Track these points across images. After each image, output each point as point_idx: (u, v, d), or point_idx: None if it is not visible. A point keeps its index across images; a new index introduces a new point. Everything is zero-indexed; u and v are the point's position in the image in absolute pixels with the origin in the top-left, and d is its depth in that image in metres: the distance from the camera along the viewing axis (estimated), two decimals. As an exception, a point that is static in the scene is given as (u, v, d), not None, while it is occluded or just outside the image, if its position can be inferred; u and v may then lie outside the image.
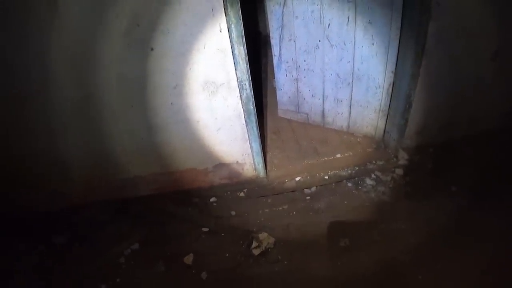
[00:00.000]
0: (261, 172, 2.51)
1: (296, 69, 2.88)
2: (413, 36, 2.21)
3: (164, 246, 2.24)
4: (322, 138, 2.93)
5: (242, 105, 2.12)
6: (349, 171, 2.56)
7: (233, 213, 2.37)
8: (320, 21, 2.55)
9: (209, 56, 1.91)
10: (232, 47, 1.89)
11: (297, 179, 2.55)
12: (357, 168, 2.59)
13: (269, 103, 3.48)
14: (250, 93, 2.10)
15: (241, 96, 2.08)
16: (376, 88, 2.63)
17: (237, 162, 2.40)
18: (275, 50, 2.89)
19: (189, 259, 2.08)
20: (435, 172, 2.52)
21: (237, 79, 2.01)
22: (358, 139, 2.89)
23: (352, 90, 2.74)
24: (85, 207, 2.53)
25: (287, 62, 2.90)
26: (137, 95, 2.03)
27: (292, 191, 2.48)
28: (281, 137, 2.99)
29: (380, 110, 2.71)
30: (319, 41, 2.64)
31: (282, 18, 2.70)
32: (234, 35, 1.85)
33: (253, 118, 2.20)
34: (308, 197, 2.42)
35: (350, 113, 2.86)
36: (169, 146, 2.26)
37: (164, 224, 2.37)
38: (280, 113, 3.26)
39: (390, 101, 2.62)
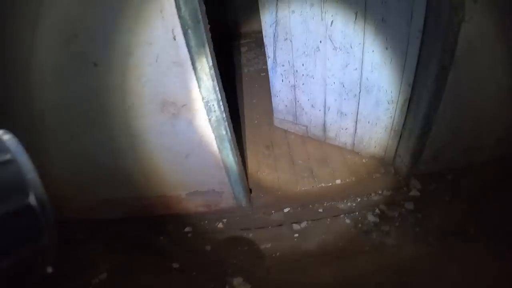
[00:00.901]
0: (243, 202, 2.12)
1: (294, 74, 2.40)
2: (439, 40, 1.68)
3: (131, 279, 1.97)
4: (321, 156, 2.47)
5: (212, 130, 1.71)
6: (349, 204, 2.13)
7: (208, 248, 2.02)
8: (321, 17, 2.04)
9: (164, 71, 1.49)
10: (192, 59, 1.46)
11: (286, 210, 2.15)
12: (358, 200, 2.14)
13: (265, 108, 3.00)
14: (222, 116, 1.68)
15: (209, 120, 1.67)
16: (388, 103, 2.12)
17: (214, 190, 2.03)
18: (269, 50, 2.41)
19: None
20: (452, 208, 2.03)
21: (203, 99, 1.60)
22: (363, 160, 2.41)
23: (359, 103, 2.24)
24: (64, 223, 2.30)
25: (283, 66, 2.42)
26: (91, 115, 1.68)
27: (279, 225, 2.09)
28: (274, 153, 2.56)
29: (391, 129, 2.21)
30: (320, 42, 2.14)
31: (276, 13, 2.21)
32: (192, 43, 1.42)
33: (228, 144, 1.79)
34: (296, 235, 2.02)
35: (355, 129, 2.38)
36: (133, 171, 1.92)
37: (135, 253, 2.08)
38: (276, 123, 2.81)
39: (405, 119, 2.11)
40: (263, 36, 2.36)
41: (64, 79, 1.51)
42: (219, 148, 1.79)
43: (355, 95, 2.21)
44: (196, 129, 1.69)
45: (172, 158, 1.84)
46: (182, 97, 1.59)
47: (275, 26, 2.26)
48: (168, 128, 1.70)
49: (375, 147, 2.36)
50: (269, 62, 2.47)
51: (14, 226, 0.33)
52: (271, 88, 2.59)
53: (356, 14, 1.91)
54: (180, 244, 2.08)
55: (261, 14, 2.28)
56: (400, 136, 2.19)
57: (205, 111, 1.63)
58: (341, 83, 2.22)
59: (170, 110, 1.62)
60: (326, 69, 2.22)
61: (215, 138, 1.74)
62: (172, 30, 1.37)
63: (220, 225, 2.13)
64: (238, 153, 1.98)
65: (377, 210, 2.06)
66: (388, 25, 1.85)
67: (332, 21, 2.01)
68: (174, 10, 1.32)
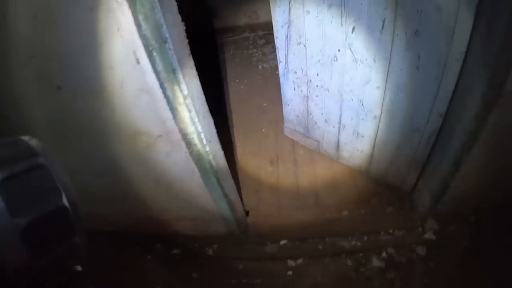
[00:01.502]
0: (235, 230, 1.93)
1: (307, 83, 2.07)
2: (485, 68, 1.30)
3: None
4: (330, 179, 2.18)
5: (195, 163, 1.48)
6: (354, 242, 1.86)
7: (194, 275, 1.86)
8: (341, 21, 1.67)
9: (131, 99, 1.25)
10: (161, 86, 1.20)
11: (282, 242, 1.92)
12: (365, 238, 1.86)
13: (276, 113, 2.66)
14: (204, 150, 1.44)
15: (190, 153, 1.44)
16: (413, 132, 1.76)
17: (202, 218, 1.84)
18: (280, 54, 2.08)
19: None
20: (470, 257, 1.71)
21: (179, 131, 1.37)
22: (378, 189, 2.09)
23: (378, 126, 1.89)
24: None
25: (295, 73, 2.09)
26: (61, 139, 1.50)
27: (273, 259, 1.88)
28: (278, 170, 2.30)
29: (413, 160, 1.86)
30: (338, 50, 1.78)
31: (289, 11, 1.86)
32: (160, 68, 1.15)
33: (214, 179, 1.57)
34: (290, 272, 1.80)
35: (372, 154, 2.04)
36: (114, 192, 1.76)
37: (121, 269, 1.98)
38: (287, 132, 2.51)
39: (430, 152, 1.76)
40: (274, 37, 2.03)
41: (27, 102, 1.33)
42: (204, 182, 1.58)
43: (375, 116, 1.86)
44: (175, 161, 1.46)
45: (153, 185, 1.65)
46: (156, 128, 1.35)
47: (288, 27, 1.92)
48: (144, 158, 1.49)
49: (392, 176, 2.03)
50: (281, 67, 2.14)
51: (50, 226, 0.34)
52: (282, 96, 2.28)
53: (383, 22, 1.53)
54: (167, 266, 1.95)
55: (272, 10, 1.94)
56: (422, 169, 1.85)
57: (184, 144, 1.40)
58: (360, 101, 1.87)
59: (144, 140, 1.40)
60: (343, 83, 1.87)
61: (199, 172, 1.52)
62: (134, 52, 1.10)
63: (210, 251, 1.96)
64: (232, 183, 1.76)
65: (384, 254, 1.78)
66: (422, 40, 1.46)
67: (353, 28, 1.64)
68: (134, 28, 1.04)
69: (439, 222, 1.83)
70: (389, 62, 1.62)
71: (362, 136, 2.00)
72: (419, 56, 1.52)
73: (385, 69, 1.66)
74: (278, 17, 1.91)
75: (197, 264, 1.92)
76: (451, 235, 1.79)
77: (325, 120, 2.12)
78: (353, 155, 2.15)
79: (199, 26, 3.68)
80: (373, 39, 1.61)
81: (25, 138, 0.38)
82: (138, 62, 1.14)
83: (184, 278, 1.86)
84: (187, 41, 1.23)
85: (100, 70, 1.19)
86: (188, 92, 1.25)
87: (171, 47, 1.11)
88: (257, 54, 3.37)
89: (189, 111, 1.29)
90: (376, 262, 1.76)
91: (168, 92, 1.22)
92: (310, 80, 2.02)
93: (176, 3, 1.12)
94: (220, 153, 1.62)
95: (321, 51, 1.85)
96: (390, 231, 1.87)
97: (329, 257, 1.83)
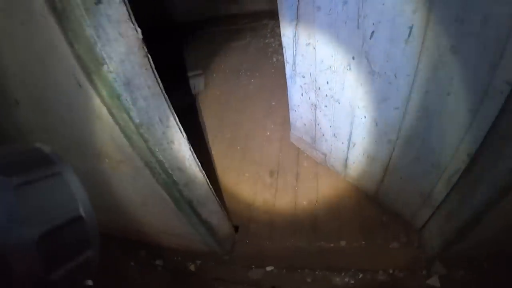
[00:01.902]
0: (218, 250, 1.74)
1: (315, 91, 1.76)
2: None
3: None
4: (333, 199, 1.89)
5: (164, 191, 1.28)
6: (347, 279, 1.60)
7: (172, 290, 1.75)
8: (358, 23, 1.33)
9: (84, 122, 1.06)
10: (110, 113, 0.98)
11: (269, 269, 1.71)
12: (360, 276, 1.60)
13: (284, 115, 2.36)
14: (173, 179, 1.22)
15: (156, 180, 1.24)
16: (433, 166, 1.43)
17: (183, 236, 1.66)
18: (287, 54, 1.76)
19: None
20: None
21: (140, 159, 1.15)
22: (383, 218, 1.79)
23: (393, 152, 1.57)
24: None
25: (303, 77, 1.77)
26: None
27: (255, 286, 1.69)
28: (277, 183, 2.04)
29: (428, 196, 1.53)
30: (353, 58, 1.45)
31: (298, 6, 1.53)
32: (104, 93, 0.92)
33: (187, 207, 1.36)
34: (271, 304, 1.63)
35: (383, 179, 1.72)
36: (97, 202, 1.62)
37: (105, 271, 1.92)
38: (292, 139, 2.22)
39: (449, 193, 1.43)
40: (281, 34, 1.72)
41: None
42: (177, 208, 1.37)
43: (390, 140, 1.54)
44: (143, 185, 1.27)
45: (128, 202, 1.47)
46: (116, 153, 1.15)
47: (296, 24, 1.60)
48: (113, 178, 1.31)
49: (402, 208, 1.72)
50: (288, 69, 1.84)
51: (66, 237, 0.32)
52: (289, 100, 1.98)
53: (410, 29, 1.18)
54: (148, 276, 1.83)
55: (278, 3, 1.61)
56: (437, 208, 1.53)
57: (148, 171, 1.19)
58: (374, 120, 1.55)
59: (107, 162, 1.21)
60: (356, 97, 1.55)
61: (169, 198, 1.32)
62: (73, 74, 0.88)
63: (192, 266, 1.80)
64: (215, 206, 1.56)
65: (381, 299, 1.54)
66: (459, 58, 1.11)
67: (372, 32, 1.30)
68: (67, 46, 0.82)
69: (447, 267, 1.54)
70: (413, 80, 1.28)
71: (373, 159, 1.68)
72: (452, 79, 1.17)
73: (408, 88, 1.32)
74: (285, 11, 1.59)
75: (178, 279, 1.78)
76: (459, 282, 1.50)
77: (334, 134, 1.82)
78: (361, 176, 1.84)
79: (214, 10, 3.38)
80: (395, 49, 1.26)
81: (41, 145, 0.37)
82: (80, 86, 0.92)
83: (162, 292, 1.74)
84: (143, 53, 0.97)
85: (47, 90, 1.00)
86: (141, 121, 1.02)
87: (110, 69, 0.87)
88: (273, 45, 3.02)
89: (145, 141, 1.06)
90: (369, 309, 1.52)
91: (118, 119, 1.00)
92: (319, 88, 1.71)
93: (123, 8, 0.87)
94: (196, 179, 1.39)
95: (332, 56, 1.53)
96: (390, 271, 1.59)
97: (318, 293, 1.61)
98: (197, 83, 2.84)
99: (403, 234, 1.72)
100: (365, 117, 1.57)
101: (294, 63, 1.75)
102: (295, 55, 1.71)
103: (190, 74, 2.89)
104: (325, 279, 1.64)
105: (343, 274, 1.63)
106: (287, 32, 1.66)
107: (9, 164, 0.31)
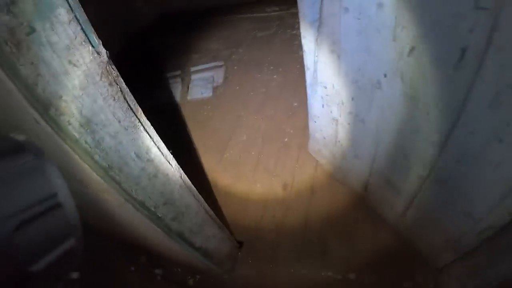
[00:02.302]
0: (217, 270, 1.60)
1: (338, 105, 1.48)
2: None
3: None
4: (348, 224, 1.66)
5: (152, 223, 1.10)
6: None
7: (170, 302, 1.67)
8: (394, 34, 1.03)
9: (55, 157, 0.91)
10: (75, 152, 0.80)
11: (268, 296, 1.58)
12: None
13: (305, 119, 2.02)
14: (157, 216, 1.08)
15: (141, 214, 1.08)
16: (465, 215, 1.14)
17: (179, 253, 1.54)
18: (308, 59, 1.49)
19: None
20: None
21: (119, 195, 0.96)
22: (401, 253, 1.54)
23: (421, 190, 1.28)
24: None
25: (325, 88, 1.50)
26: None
27: (251, 313, 1.57)
28: (290, 199, 1.83)
29: (454, 243, 1.27)
30: (385, 75, 1.16)
31: (321, 6, 1.24)
32: (61, 134, 0.75)
33: (179, 239, 1.23)
34: (266, 337, 1.49)
35: (406, 213, 1.45)
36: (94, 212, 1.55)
37: (104, 272, 1.86)
38: (311, 150, 1.98)
39: (479, 247, 1.16)
40: (301, 36, 1.44)
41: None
42: (168, 237, 1.23)
43: (420, 176, 1.25)
44: (129, 214, 1.11)
45: (120, 221, 1.36)
46: (95, 185, 0.96)
47: (318, 27, 1.32)
48: (101, 202, 1.19)
49: (423, 244, 1.46)
50: (308, 75, 1.57)
51: (45, 226, 0.31)
52: (308, 109, 1.73)
53: (463, 52, 0.88)
54: (146, 285, 1.76)
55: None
56: (461, 258, 1.26)
57: (130, 205, 1.04)
58: (402, 150, 1.27)
59: (90, 189, 1.08)
60: (383, 119, 1.27)
61: (158, 229, 1.17)
62: (26, 111, 0.70)
63: (191, 281, 1.70)
64: (213, 230, 1.42)
65: None
66: None
67: (412, 48, 1.01)
68: (10, 83, 0.64)
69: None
70: (458, 116, 1.00)
71: (398, 191, 1.42)
72: (508, 125, 0.88)
73: (449, 123, 1.03)
74: (306, 10, 1.32)
75: None
76: None
77: (355, 155, 1.56)
78: (382, 205, 1.59)
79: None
80: (440, 73, 0.97)
81: (15, 135, 0.35)
82: (37, 122, 0.74)
83: (160, 303, 1.67)
84: (109, 80, 0.78)
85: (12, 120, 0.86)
86: (110, 164, 0.86)
87: (60, 111, 0.70)
88: (300, 37, 2.65)
89: (118, 183, 0.90)
90: None
91: (85, 161, 0.84)
92: (343, 103, 1.43)
93: (75, 27, 0.67)
94: (190, 209, 1.23)
95: (360, 69, 1.25)
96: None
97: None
98: (216, 76, 2.63)
99: (419, 273, 1.48)
100: (390, 143, 1.30)
101: (315, 70, 1.49)
102: (317, 62, 1.44)
103: (209, 64, 2.68)
104: (327, 318, 1.46)
105: (349, 314, 1.45)
106: (308, 34, 1.39)
107: None
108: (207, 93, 2.55)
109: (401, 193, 1.41)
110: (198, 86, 2.62)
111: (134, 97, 0.88)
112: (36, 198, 0.31)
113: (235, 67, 2.71)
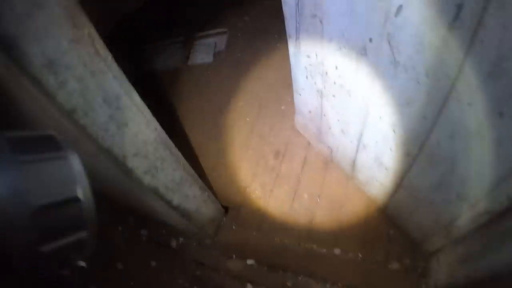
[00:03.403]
0: (199, 233, 1.54)
1: (322, 75, 1.27)
2: None
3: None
4: (337, 200, 1.52)
5: (124, 175, 1.04)
6: (331, 295, 1.33)
7: (153, 263, 1.63)
8: (382, -9, 0.81)
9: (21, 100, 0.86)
10: (39, 94, 0.74)
11: (250, 262, 1.49)
12: (346, 295, 1.31)
13: (290, 92, 1.84)
14: (128, 168, 0.99)
15: (113, 165, 0.99)
16: (459, 198, 0.97)
17: (161, 214, 1.48)
18: (289, 26, 1.26)
19: None
20: None
21: (89, 143, 0.89)
22: (390, 232, 1.40)
23: (411, 168, 1.10)
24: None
25: (308, 57, 1.28)
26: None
27: (232, 277, 1.49)
28: (280, 168, 1.69)
29: (445, 227, 1.11)
30: (370, 40, 0.94)
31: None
32: (24, 76, 0.68)
33: (152, 195, 1.14)
34: (245, 299, 1.44)
35: (395, 193, 1.28)
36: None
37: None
38: (297, 125, 1.79)
39: (473, 233, 0.99)
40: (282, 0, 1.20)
41: None
42: (143, 193, 1.16)
43: (410, 154, 1.07)
44: (105, 168, 1.03)
45: (104, 177, 1.28)
46: (66, 133, 0.88)
47: (300, -14, 1.08)
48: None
49: (413, 226, 1.29)
50: (290, 44, 1.34)
51: (61, 215, 0.33)
52: (292, 80, 1.52)
53: (459, 9, 0.66)
54: (132, 245, 1.75)
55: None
56: (452, 243, 1.10)
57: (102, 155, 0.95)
58: (391, 125, 1.07)
59: (65, 137, 1.00)
60: (372, 92, 1.06)
61: (133, 182, 1.09)
62: None
63: (174, 243, 1.66)
64: (195, 190, 1.35)
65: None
66: None
67: (400, 7, 0.78)
68: None
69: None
70: (453, 85, 0.79)
71: (386, 169, 1.24)
72: (511, 95, 0.66)
73: (444, 94, 0.83)
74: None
75: (159, 252, 1.68)
76: None
77: (342, 130, 1.37)
78: (370, 183, 1.42)
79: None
80: (432, 35, 0.77)
81: (52, 132, 0.37)
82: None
83: (143, 263, 1.65)
84: (76, 22, 0.68)
85: None
86: (74, 106, 0.78)
87: (21, 51, 0.64)
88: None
89: (83, 127, 0.83)
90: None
91: (48, 104, 0.76)
92: (326, 73, 1.23)
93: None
94: (164, 164, 1.14)
95: (344, 35, 1.03)
96: (383, 297, 1.27)
97: (295, 299, 1.37)
98: (218, 42, 2.42)
99: (408, 256, 1.34)
100: (380, 118, 1.11)
101: (297, 38, 1.27)
102: (298, 28, 1.22)
103: (213, 31, 2.45)
104: (306, 287, 1.37)
105: (328, 286, 1.36)
106: (288, -3, 1.15)
107: (20, 143, 0.32)
108: (208, 59, 2.37)
109: (391, 172, 1.24)
110: (199, 51, 2.45)
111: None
112: (59, 189, 0.33)
113: (239, 35, 2.47)
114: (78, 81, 0.78)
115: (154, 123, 1.08)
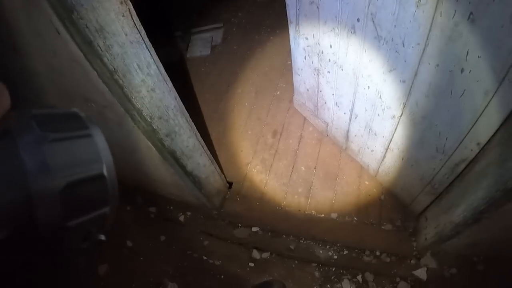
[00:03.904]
0: (207, 204, 1.72)
1: (318, 54, 1.50)
2: None
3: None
4: (332, 170, 1.75)
5: (147, 138, 1.21)
6: (331, 253, 1.52)
7: (162, 238, 1.78)
8: (365, -22, 1.04)
9: (66, 68, 1.03)
10: (86, 58, 0.92)
11: (254, 229, 1.68)
12: (345, 253, 1.51)
13: (283, 79, 2.15)
14: (151, 127, 1.17)
15: (138, 127, 1.16)
16: (437, 152, 1.20)
17: (174, 185, 1.64)
18: (290, 13, 1.49)
19: (102, 269, 1.74)
20: None
21: (121, 105, 1.07)
22: (381, 197, 1.62)
23: (396, 129, 1.33)
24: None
25: (307, 39, 1.51)
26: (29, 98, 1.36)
27: (239, 244, 1.67)
28: (278, 145, 1.91)
29: (429, 183, 1.34)
30: (358, 20, 1.17)
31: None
32: (78, 39, 0.86)
33: (171, 158, 1.32)
34: (252, 264, 1.60)
35: (384, 157, 1.51)
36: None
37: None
38: (296, 105, 2.03)
39: (452, 183, 1.21)
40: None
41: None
42: (162, 157, 1.33)
43: (394, 116, 1.30)
44: (128, 132, 1.23)
45: (120, 148, 1.46)
46: (99, 98, 1.11)
47: (300, -23, 1.31)
48: (101, 122, 1.28)
49: (402, 189, 1.52)
50: (291, 29, 1.58)
51: (87, 191, 0.35)
52: (292, 63, 1.75)
53: None
54: (141, 222, 1.89)
55: None
56: (436, 198, 1.32)
57: (129, 118, 1.13)
58: (378, 92, 1.30)
59: (94, 107, 1.18)
60: (361, 64, 1.30)
61: (153, 147, 1.27)
62: (51, 21, 0.84)
63: (182, 217, 1.83)
64: (204, 160, 1.52)
65: (359, 277, 1.44)
66: (477, 30, 0.85)
67: (380, -10, 1.02)
68: None
69: (439, 261, 1.39)
70: (423, 51, 1.03)
71: (375, 134, 1.47)
72: (467, 53, 0.90)
73: (416, 59, 1.06)
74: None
75: (167, 228, 1.83)
76: (447, 280, 1.36)
77: (336, 103, 1.60)
78: (362, 152, 1.64)
79: None
80: (405, 12, 1.00)
81: (77, 110, 0.39)
82: (59, 33, 0.88)
83: (153, 238, 1.80)
84: (120, 1, 0.88)
85: (31, 36, 0.99)
86: (116, 68, 0.96)
87: (80, 15, 0.82)
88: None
89: (121, 87, 1.00)
90: (346, 284, 1.44)
91: (94, 65, 0.95)
92: (322, 52, 1.46)
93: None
94: (182, 130, 1.33)
95: (336, 17, 1.26)
96: (377, 253, 1.48)
97: (298, 261, 1.56)
98: (215, 36, 2.64)
99: (399, 218, 1.56)
100: (368, 87, 1.34)
101: (297, 23, 1.50)
102: (298, 14, 1.45)
103: (209, 26, 2.67)
104: (308, 249, 1.58)
105: (327, 247, 1.56)
106: (291, -15, 1.38)
107: (47, 121, 0.34)
108: (206, 52, 2.58)
109: (379, 137, 1.47)
110: (197, 45, 2.65)
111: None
112: (85, 167, 0.34)
113: (234, 29, 2.70)
114: (120, 46, 0.96)
115: (174, 93, 1.27)
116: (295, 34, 1.57)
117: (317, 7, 1.33)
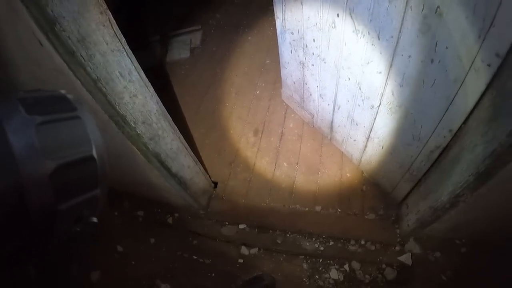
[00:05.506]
0: (194, 204, 1.79)
1: (303, 48, 1.66)
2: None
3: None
4: (314, 163, 1.88)
5: (131, 143, 1.29)
6: (317, 245, 1.64)
7: (152, 240, 1.82)
8: (343, -24, 1.22)
9: (51, 77, 1.10)
10: (69, 67, 0.99)
11: (241, 226, 1.76)
12: (331, 244, 1.63)
13: (276, 74, 2.25)
14: (135, 132, 1.24)
15: (123, 133, 1.22)
16: (413, 139, 1.36)
17: (160, 188, 1.70)
18: (277, 9, 1.64)
19: (94, 276, 1.73)
20: None
21: (104, 112, 1.14)
22: (364, 187, 1.77)
23: (375, 119, 1.50)
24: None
25: (292, 34, 1.67)
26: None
27: (227, 242, 1.75)
28: (260, 143, 2.02)
29: (407, 170, 1.49)
30: (337, 15, 1.34)
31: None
32: (61, 50, 0.93)
33: (155, 160, 1.39)
34: (241, 260, 1.67)
35: (365, 146, 1.67)
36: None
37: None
38: (284, 97, 2.17)
39: (429, 170, 1.38)
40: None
41: None
42: (147, 160, 1.40)
43: (373, 106, 1.46)
44: (113, 138, 1.28)
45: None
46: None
47: (283, -25, 1.48)
48: None
49: (383, 177, 1.68)
50: (278, 25, 1.73)
51: (77, 174, 0.35)
52: (279, 57, 1.90)
53: None
54: (129, 227, 1.92)
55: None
56: (417, 184, 1.49)
57: (113, 124, 1.20)
58: (357, 83, 1.47)
59: None
60: (341, 57, 1.46)
61: (138, 151, 1.34)
62: (34, 33, 0.90)
63: (170, 219, 1.88)
64: (188, 161, 1.59)
65: (346, 266, 1.56)
66: (444, 22, 1.01)
67: (356, -12, 1.19)
68: (23, 7, 0.83)
69: (422, 246, 1.53)
70: (396, 43, 1.18)
71: (357, 124, 1.62)
72: (436, 43, 1.07)
73: (391, 51, 1.22)
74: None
75: (156, 230, 1.87)
76: (432, 264, 1.50)
77: (320, 95, 1.75)
78: (346, 141, 1.80)
79: None
80: (379, 7, 1.15)
81: (65, 92, 0.40)
82: (42, 44, 0.93)
83: (143, 242, 1.83)
84: (100, 10, 0.95)
85: (15, 48, 1.06)
86: (99, 76, 1.02)
87: (62, 28, 0.87)
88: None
89: (104, 95, 1.06)
90: (334, 274, 1.55)
91: (78, 75, 1.01)
92: (306, 46, 1.61)
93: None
94: (165, 133, 1.40)
95: (318, 12, 1.42)
96: (362, 242, 1.61)
97: (286, 254, 1.65)
98: (193, 39, 2.74)
99: (382, 206, 1.70)
100: (349, 79, 1.49)
101: (283, 18, 1.65)
102: (284, 10, 1.60)
103: (187, 29, 2.79)
104: (295, 242, 1.68)
105: (313, 239, 1.67)
106: (275, -17, 1.54)
107: (35, 104, 0.35)
108: (185, 55, 2.67)
109: (360, 127, 1.62)
110: (176, 48, 2.73)
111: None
112: (75, 149, 0.35)
113: (212, 31, 2.83)
114: (102, 55, 1.02)
115: (156, 97, 1.34)
116: (282, 29, 1.71)
117: (301, 3, 1.48)
